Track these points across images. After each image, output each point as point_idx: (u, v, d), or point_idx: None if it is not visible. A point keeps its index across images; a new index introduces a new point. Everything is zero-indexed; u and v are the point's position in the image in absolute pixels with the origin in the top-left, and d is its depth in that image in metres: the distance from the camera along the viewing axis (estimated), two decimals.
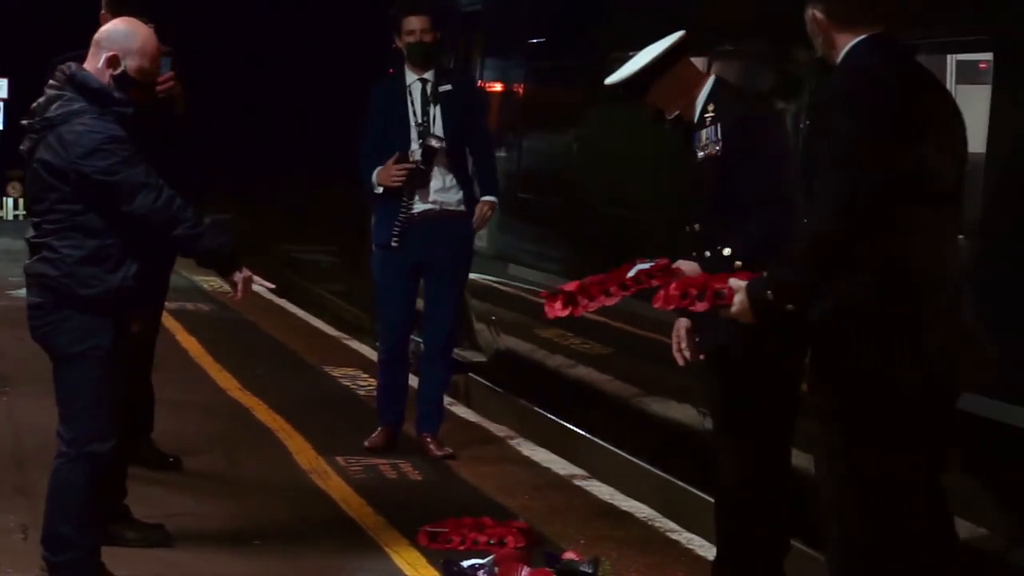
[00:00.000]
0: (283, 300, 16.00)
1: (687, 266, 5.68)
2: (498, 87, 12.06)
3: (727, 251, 5.74)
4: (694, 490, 8.48)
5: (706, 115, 6.01)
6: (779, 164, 5.94)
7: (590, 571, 6.33)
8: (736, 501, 5.99)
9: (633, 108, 9.72)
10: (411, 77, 8.50)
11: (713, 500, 6.27)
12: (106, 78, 6.03)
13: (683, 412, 8.90)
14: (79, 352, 5.96)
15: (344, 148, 11.95)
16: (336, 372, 11.36)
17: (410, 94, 8.49)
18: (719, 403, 6.08)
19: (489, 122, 11.57)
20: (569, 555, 6.55)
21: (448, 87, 8.52)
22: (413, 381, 8.98)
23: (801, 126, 5.35)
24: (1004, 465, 6.35)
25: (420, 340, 9.25)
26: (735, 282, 5.17)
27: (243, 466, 8.42)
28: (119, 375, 6.17)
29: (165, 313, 8.89)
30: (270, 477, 8.19)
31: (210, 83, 26.34)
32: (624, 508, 7.82)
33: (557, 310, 5.54)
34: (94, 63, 6.06)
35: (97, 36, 6.12)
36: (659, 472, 9.06)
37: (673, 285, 5.36)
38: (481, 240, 11.50)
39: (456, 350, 11.79)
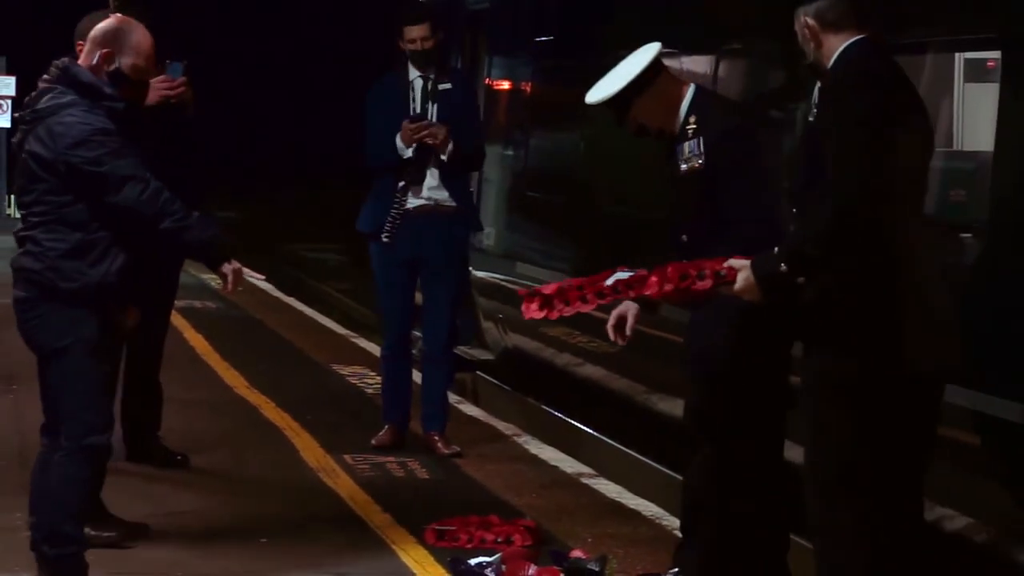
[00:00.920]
0: (291, 298, 16.04)
1: (739, 264, 5.51)
2: (505, 85, 12.07)
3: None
4: None
5: (688, 127, 6.06)
6: (761, 178, 5.98)
7: (597, 569, 6.33)
8: (736, 501, 6.04)
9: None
10: (414, 73, 8.57)
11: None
12: (100, 74, 6.05)
13: None
14: (64, 346, 5.98)
15: (349, 145, 11.94)
16: (344, 370, 11.38)
17: (412, 90, 8.55)
18: (712, 406, 6.11)
19: (494, 120, 11.59)
20: (576, 553, 6.56)
21: (448, 86, 8.57)
22: (417, 377, 9.00)
23: (809, 117, 5.41)
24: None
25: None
26: (735, 262, 5.32)
27: (250, 464, 8.44)
28: (109, 368, 6.20)
29: (173, 311, 8.90)
30: (277, 475, 8.21)
31: (214, 81, 26.33)
32: (632, 506, 7.83)
33: (533, 311, 5.60)
34: (88, 59, 6.09)
35: (92, 33, 6.16)
36: (667, 471, 9.06)
37: (670, 268, 5.42)
38: (489, 239, 11.53)
39: (464, 348, 11.81)
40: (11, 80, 20.74)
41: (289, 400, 9.99)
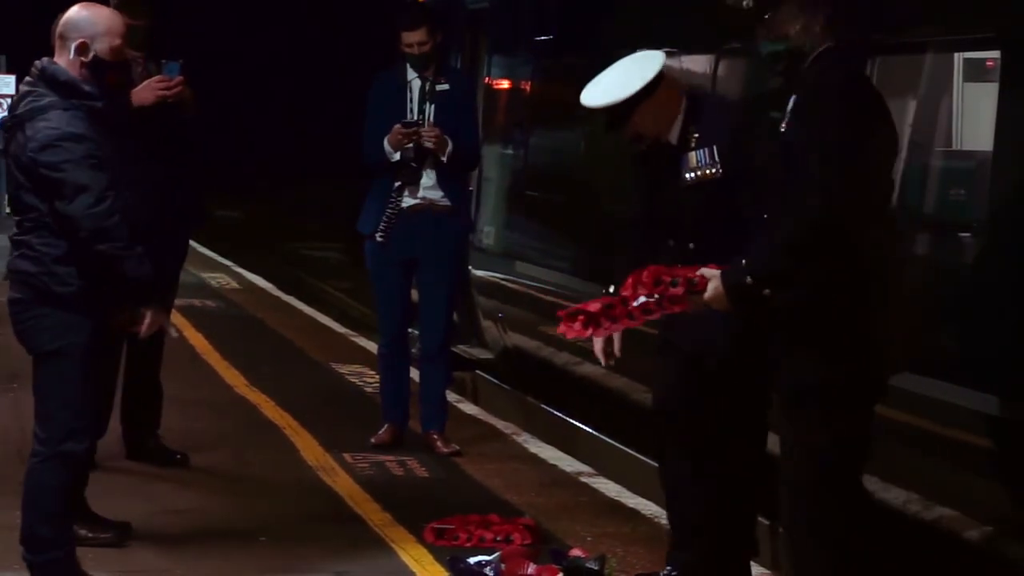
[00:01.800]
0: (290, 297, 16.04)
1: (710, 273, 5.59)
2: (504, 84, 12.08)
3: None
4: None
5: (691, 136, 6.07)
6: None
7: (596, 568, 6.34)
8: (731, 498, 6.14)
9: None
10: (412, 74, 8.59)
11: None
12: (77, 68, 6.02)
13: None
14: (55, 349, 5.98)
15: (348, 143, 11.95)
16: (343, 369, 11.40)
17: (410, 90, 8.58)
18: (708, 408, 6.16)
19: (494, 119, 11.58)
20: (575, 552, 6.58)
21: (445, 87, 8.59)
22: (416, 376, 9.01)
23: (783, 123, 5.43)
24: None
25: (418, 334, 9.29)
26: (707, 271, 5.40)
27: (250, 463, 8.45)
28: (98, 375, 6.20)
29: (173, 310, 8.92)
30: (277, 474, 8.22)
31: (215, 80, 26.34)
32: (631, 505, 7.84)
33: (577, 330, 5.52)
34: (65, 55, 6.06)
35: (60, 28, 6.10)
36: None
37: (645, 272, 5.47)
38: (488, 237, 11.53)
39: (463, 347, 11.81)
40: (11, 79, 20.82)
41: (289, 399, 10.01)
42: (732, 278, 5.34)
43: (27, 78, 6.08)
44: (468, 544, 6.84)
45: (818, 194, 5.14)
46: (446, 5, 12.24)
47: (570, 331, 5.54)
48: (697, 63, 8.90)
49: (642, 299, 5.49)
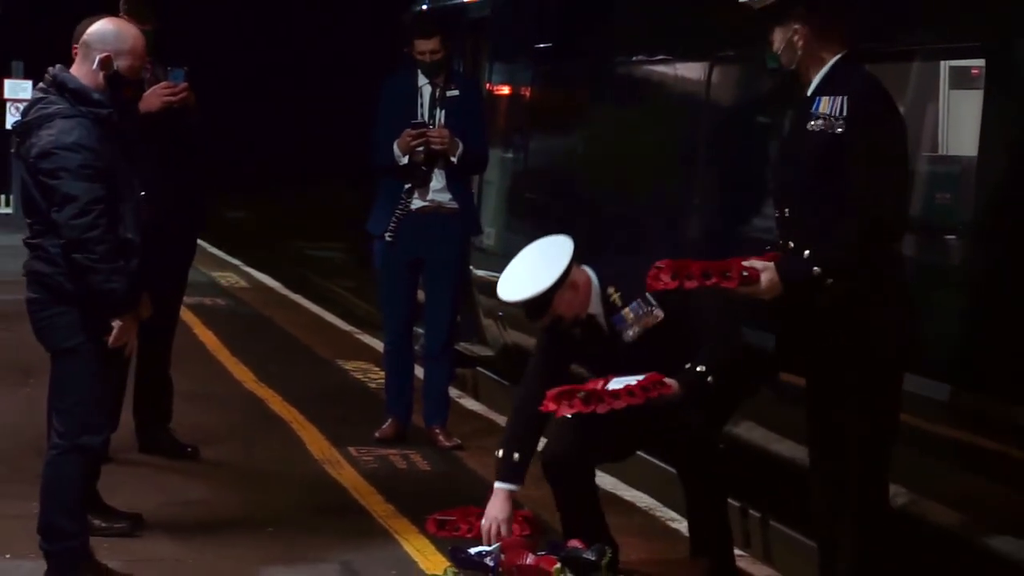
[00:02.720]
0: (297, 296, 16.07)
1: (761, 265, 5.61)
2: (505, 90, 12.16)
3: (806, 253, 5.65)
4: None
5: (613, 296, 6.24)
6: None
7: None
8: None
9: (635, 109, 9.90)
10: (422, 80, 8.68)
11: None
12: (96, 79, 6.11)
13: None
14: (72, 347, 6.08)
15: (354, 144, 12.05)
16: (348, 365, 11.45)
17: (420, 95, 8.66)
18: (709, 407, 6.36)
19: (495, 124, 11.65)
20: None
21: (456, 92, 8.68)
22: (419, 373, 9.10)
23: (810, 125, 5.55)
24: None
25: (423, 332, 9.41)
26: (757, 263, 5.50)
27: (258, 456, 8.52)
28: (113, 370, 6.30)
29: (183, 307, 9.00)
30: (284, 467, 8.29)
31: (220, 79, 26.43)
32: (627, 498, 7.91)
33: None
34: (86, 65, 6.14)
35: (86, 38, 6.18)
36: (661, 463, 9.17)
37: (694, 265, 5.54)
38: (489, 239, 11.62)
39: (464, 344, 11.90)
40: (27, 84, 21.01)
41: (296, 394, 10.05)
42: (793, 270, 5.46)
43: (40, 84, 6.17)
44: (469, 535, 6.85)
45: (892, 193, 5.45)
46: (449, 13, 12.34)
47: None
48: (694, 71, 9.00)
49: (623, 383, 5.78)
